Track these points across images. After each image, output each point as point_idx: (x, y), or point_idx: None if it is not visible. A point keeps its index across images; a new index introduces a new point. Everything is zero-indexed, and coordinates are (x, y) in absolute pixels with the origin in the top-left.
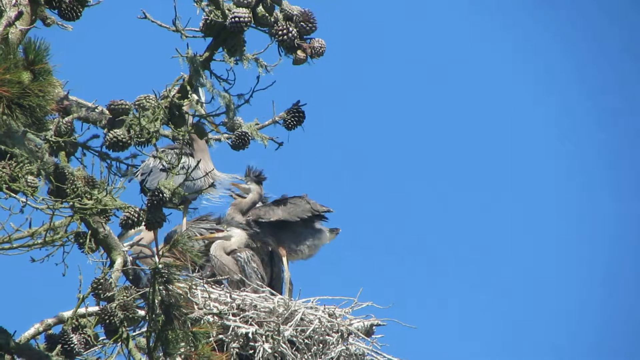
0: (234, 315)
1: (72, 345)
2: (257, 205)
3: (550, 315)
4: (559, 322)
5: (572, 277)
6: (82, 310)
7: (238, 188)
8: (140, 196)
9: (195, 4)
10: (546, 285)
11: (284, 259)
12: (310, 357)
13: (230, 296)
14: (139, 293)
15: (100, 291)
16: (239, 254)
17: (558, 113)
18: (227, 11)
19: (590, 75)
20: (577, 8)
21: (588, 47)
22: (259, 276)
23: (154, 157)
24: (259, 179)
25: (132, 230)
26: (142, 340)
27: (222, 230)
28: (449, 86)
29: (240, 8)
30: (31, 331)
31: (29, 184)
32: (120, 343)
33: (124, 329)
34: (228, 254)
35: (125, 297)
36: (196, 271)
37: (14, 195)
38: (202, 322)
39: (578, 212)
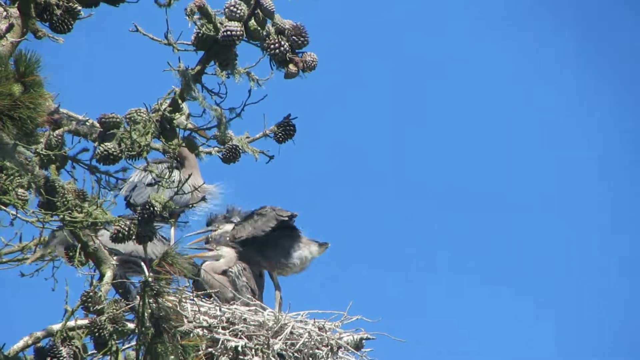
0: (223, 328)
1: (61, 358)
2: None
3: (548, 330)
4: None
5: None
6: (71, 323)
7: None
8: (127, 210)
9: (187, 18)
10: (546, 299)
11: (274, 274)
12: None
13: (220, 309)
14: (129, 306)
15: (90, 304)
16: (230, 269)
17: (577, 111)
18: (219, 25)
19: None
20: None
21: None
22: (250, 290)
23: (145, 170)
24: (228, 219)
25: None
26: (132, 353)
27: (212, 250)
28: (445, 96)
29: (233, 22)
30: (20, 344)
31: (19, 196)
32: (109, 356)
33: (113, 342)
34: (220, 273)
35: (114, 310)
36: (187, 284)
37: (4, 208)
38: (191, 335)
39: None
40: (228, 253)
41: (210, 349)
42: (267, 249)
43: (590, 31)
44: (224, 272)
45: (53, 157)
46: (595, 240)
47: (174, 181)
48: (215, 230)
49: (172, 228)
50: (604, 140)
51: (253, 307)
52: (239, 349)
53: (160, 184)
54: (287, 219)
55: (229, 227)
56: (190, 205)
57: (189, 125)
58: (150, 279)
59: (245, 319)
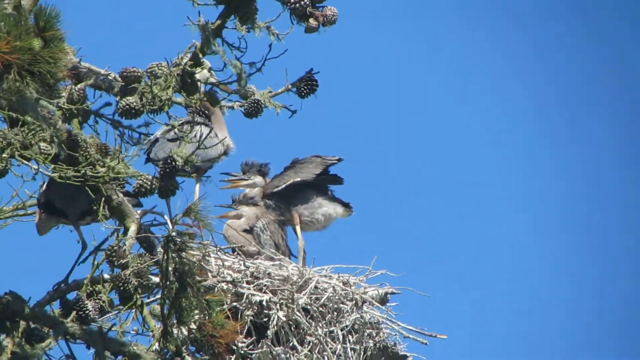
0: (247, 283)
1: (87, 311)
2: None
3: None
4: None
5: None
6: (96, 276)
7: (242, 186)
8: (147, 165)
9: None
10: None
11: (298, 228)
12: (324, 325)
13: (244, 264)
14: (153, 260)
15: (115, 258)
16: (255, 224)
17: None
18: None
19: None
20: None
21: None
22: (274, 244)
23: (166, 125)
24: (262, 172)
25: None
26: (156, 308)
27: (235, 210)
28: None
29: None
30: (46, 298)
31: (42, 151)
32: (134, 310)
33: (138, 296)
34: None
35: (139, 265)
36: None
37: (27, 162)
38: (215, 290)
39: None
40: (248, 212)
41: (234, 304)
42: (294, 201)
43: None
44: (246, 230)
45: (75, 112)
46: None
47: (195, 135)
48: (247, 180)
49: (197, 183)
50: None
51: (277, 262)
52: (264, 303)
53: (182, 138)
54: (335, 162)
55: (259, 179)
56: (213, 160)
57: (212, 79)
58: (173, 234)
59: (269, 274)
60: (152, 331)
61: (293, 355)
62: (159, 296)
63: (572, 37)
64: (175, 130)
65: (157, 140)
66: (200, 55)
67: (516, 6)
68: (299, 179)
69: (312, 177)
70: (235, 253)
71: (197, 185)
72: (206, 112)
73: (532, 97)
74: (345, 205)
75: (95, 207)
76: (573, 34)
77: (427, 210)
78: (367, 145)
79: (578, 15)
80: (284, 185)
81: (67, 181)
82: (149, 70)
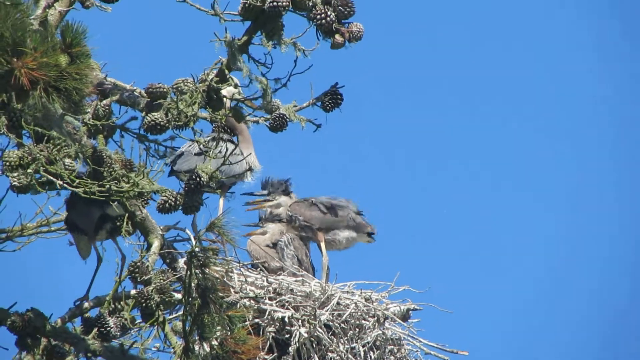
0: (270, 299)
1: (108, 328)
2: (304, 201)
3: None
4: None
5: None
6: (119, 293)
7: (268, 207)
8: (174, 180)
9: None
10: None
11: (322, 244)
12: (346, 341)
13: (267, 280)
14: (176, 276)
15: (137, 274)
16: (279, 239)
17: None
18: None
19: None
20: None
21: None
22: (297, 259)
23: (192, 140)
24: (286, 190)
25: None
26: (178, 324)
27: (261, 227)
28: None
29: None
30: (68, 314)
31: (67, 166)
32: (156, 326)
33: (160, 313)
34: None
35: (161, 281)
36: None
37: (52, 177)
38: (238, 306)
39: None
40: (273, 228)
41: (256, 320)
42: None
43: None
44: (270, 245)
45: (100, 127)
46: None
47: (220, 151)
48: (272, 201)
49: (221, 198)
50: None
51: (300, 278)
52: (286, 319)
53: (207, 153)
54: (368, 237)
55: (284, 199)
56: (237, 177)
57: (237, 95)
58: (197, 249)
59: (292, 290)
60: (173, 348)
61: None
62: (181, 312)
63: None
64: (200, 145)
65: (182, 153)
66: (227, 71)
67: None
68: (324, 227)
69: (329, 227)
70: (259, 269)
71: (221, 201)
72: (232, 129)
73: None
74: (369, 234)
75: (110, 222)
76: None
77: (450, 226)
78: (391, 158)
79: None
80: (313, 226)
81: (92, 196)
82: (174, 86)
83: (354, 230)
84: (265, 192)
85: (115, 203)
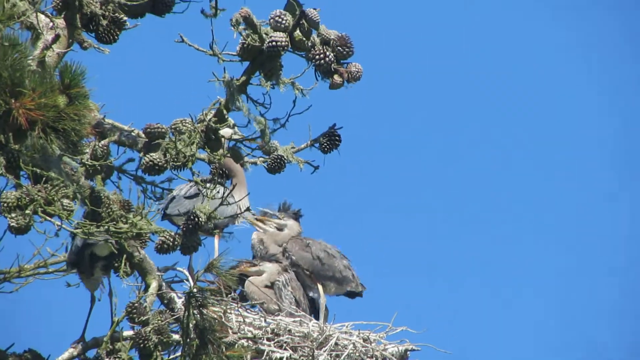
0: (268, 339)
1: None
2: (302, 239)
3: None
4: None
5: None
6: (117, 334)
7: (272, 223)
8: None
9: (233, 28)
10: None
11: (320, 286)
12: None
13: (265, 320)
14: (174, 317)
15: (135, 315)
16: (277, 279)
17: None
18: (264, 35)
19: None
20: None
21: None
22: (294, 300)
23: (190, 181)
24: (296, 216)
25: None
26: None
27: (256, 265)
28: (494, 108)
29: (278, 32)
30: (65, 355)
31: (65, 207)
32: None
33: (158, 353)
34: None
35: (159, 321)
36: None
37: (50, 218)
38: (236, 346)
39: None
40: (270, 268)
41: None
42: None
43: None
44: (268, 286)
45: (99, 168)
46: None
47: (218, 192)
48: (279, 220)
49: (216, 239)
50: None
51: (298, 318)
52: None
53: (203, 194)
54: (358, 293)
55: (292, 223)
56: (231, 219)
57: (236, 136)
58: (195, 290)
59: (290, 330)
60: None
61: None
62: (179, 353)
63: None
64: (199, 186)
65: (174, 197)
66: (225, 112)
67: None
68: (314, 272)
69: (326, 279)
70: (257, 309)
71: (216, 241)
72: (229, 171)
73: None
74: (352, 293)
75: (103, 260)
76: None
77: (447, 266)
78: (389, 197)
79: None
80: (304, 268)
81: (91, 237)
82: (173, 126)
83: (338, 283)
84: (278, 212)
85: (102, 242)
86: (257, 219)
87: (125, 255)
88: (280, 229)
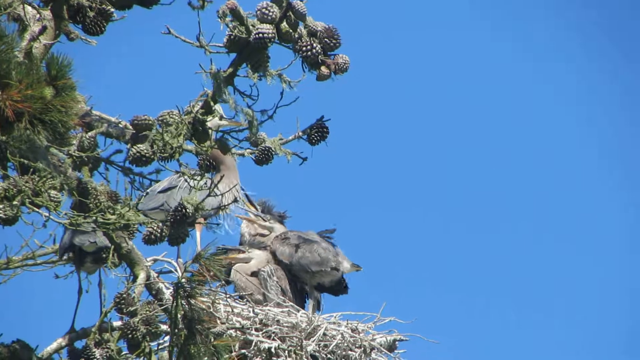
0: (256, 329)
1: (94, 359)
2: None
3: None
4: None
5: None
6: (105, 324)
7: (259, 226)
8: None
9: (219, 20)
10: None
11: (308, 278)
12: None
13: (253, 311)
14: (162, 307)
15: (123, 306)
16: (262, 269)
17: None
18: (251, 27)
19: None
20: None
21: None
22: (280, 289)
23: (177, 172)
24: (282, 219)
25: None
26: (165, 355)
27: (244, 252)
28: (483, 98)
29: (264, 24)
30: (54, 346)
31: (52, 198)
32: (143, 358)
33: (146, 344)
34: (250, 275)
35: (147, 312)
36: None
37: (37, 210)
38: (224, 336)
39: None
40: (259, 255)
41: (243, 351)
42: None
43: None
44: (255, 274)
45: (86, 159)
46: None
47: (206, 183)
48: (266, 222)
49: (198, 231)
50: None
51: (286, 309)
52: (272, 350)
53: (190, 185)
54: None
55: (278, 226)
56: (223, 208)
57: (224, 122)
58: (183, 281)
59: (278, 320)
60: None
61: None
62: (167, 343)
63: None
64: (186, 178)
65: (147, 193)
66: (212, 103)
67: None
68: (294, 265)
69: (306, 271)
70: (245, 300)
71: (199, 233)
72: (217, 160)
73: None
74: (353, 265)
75: (91, 256)
76: None
77: (437, 257)
78: (377, 191)
79: None
80: (283, 261)
81: (78, 228)
82: (160, 118)
83: (318, 265)
84: (262, 214)
85: (87, 244)
86: (247, 218)
87: (113, 247)
88: (268, 231)
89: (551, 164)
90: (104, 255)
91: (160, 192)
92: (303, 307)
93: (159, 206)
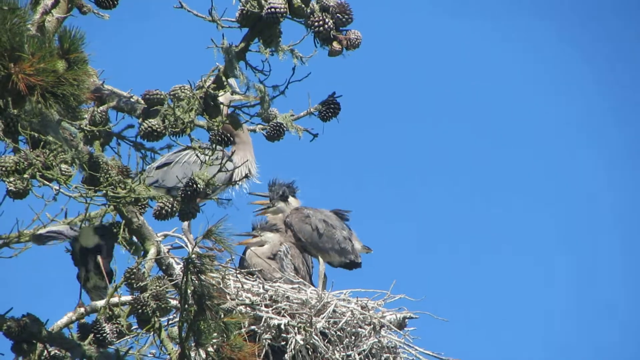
0: (266, 306)
1: (104, 334)
2: (303, 210)
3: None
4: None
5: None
6: (115, 299)
7: (266, 213)
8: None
9: None
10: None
11: (319, 255)
12: (342, 349)
13: (263, 287)
14: (172, 283)
15: (134, 281)
16: (278, 249)
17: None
18: (263, 2)
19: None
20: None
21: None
22: (293, 267)
23: (188, 147)
24: (284, 197)
25: None
26: (175, 330)
27: (257, 236)
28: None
29: None
30: (64, 320)
31: (63, 172)
32: (152, 333)
33: (156, 319)
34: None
35: (158, 287)
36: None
37: (48, 183)
38: (234, 312)
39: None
40: (272, 238)
41: (252, 327)
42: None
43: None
44: (271, 257)
45: (97, 133)
46: None
47: (217, 158)
48: (272, 207)
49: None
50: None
51: (296, 285)
52: (282, 326)
53: (202, 160)
54: (350, 261)
55: (281, 205)
56: (234, 183)
57: (237, 98)
58: (193, 256)
59: (288, 297)
60: (169, 354)
61: None
62: (177, 319)
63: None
64: (197, 153)
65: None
66: (224, 78)
67: None
68: (313, 245)
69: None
70: (255, 276)
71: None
72: (230, 135)
73: None
74: (364, 247)
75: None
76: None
77: (447, 234)
78: (388, 168)
79: None
80: (301, 239)
81: (89, 202)
82: (171, 93)
83: (338, 254)
84: (268, 194)
85: (84, 230)
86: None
87: (124, 221)
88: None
89: (554, 174)
90: (114, 230)
91: (157, 167)
92: (314, 285)
93: (153, 182)
